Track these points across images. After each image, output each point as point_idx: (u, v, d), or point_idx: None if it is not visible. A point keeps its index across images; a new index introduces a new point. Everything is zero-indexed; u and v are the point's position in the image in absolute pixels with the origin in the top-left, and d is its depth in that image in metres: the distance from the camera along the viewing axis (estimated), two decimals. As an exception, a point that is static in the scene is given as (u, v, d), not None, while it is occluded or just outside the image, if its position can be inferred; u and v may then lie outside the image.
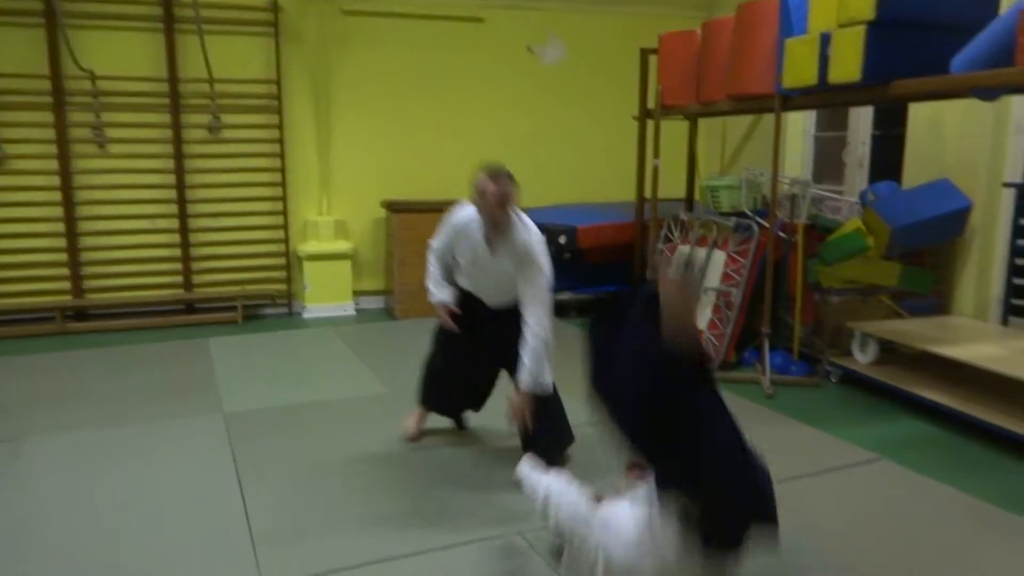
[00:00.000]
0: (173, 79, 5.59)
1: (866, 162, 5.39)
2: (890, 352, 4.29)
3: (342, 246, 6.07)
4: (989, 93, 3.48)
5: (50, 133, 5.42)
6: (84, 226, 5.59)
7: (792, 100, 4.20)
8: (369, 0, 5.96)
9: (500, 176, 2.86)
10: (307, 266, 5.98)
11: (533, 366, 2.88)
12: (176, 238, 5.78)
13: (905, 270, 4.46)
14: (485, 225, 2.94)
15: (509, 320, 2.98)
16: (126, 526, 2.68)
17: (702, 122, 5.91)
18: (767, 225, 4.49)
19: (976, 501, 2.88)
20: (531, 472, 2.47)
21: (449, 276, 3.26)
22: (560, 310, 5.84)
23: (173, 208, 5.74)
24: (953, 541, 2.62)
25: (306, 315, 6.04)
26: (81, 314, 5.67)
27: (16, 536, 2.61)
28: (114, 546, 2.54)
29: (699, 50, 4.90)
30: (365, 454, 3.30)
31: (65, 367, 4.61)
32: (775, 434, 3.56)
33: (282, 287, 6.09)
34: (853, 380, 4.26)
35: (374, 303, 6.36)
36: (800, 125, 5.82)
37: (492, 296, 3.14)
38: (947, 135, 4.63)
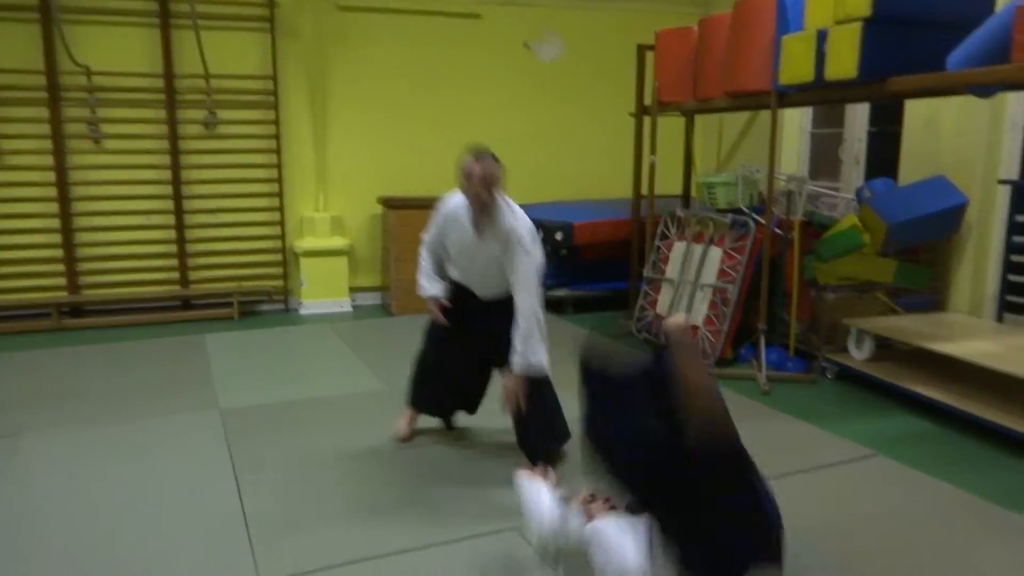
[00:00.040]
0: (169, 75, 5.57)
1: (862, 159, 5.39)
2: (886, 348, 4.29)
3: (338, 242, 6.06)
4: (985, 90, 3.49)
5: (45, 129, 5.41)
6: (80, 222, 5.58)
7: (788, 97, 4.21)
8: (366, -4, 5.96)
9: (485, 157, 2.86)
10: (303, 262, 5.98)
11: (522, 347, 2.86)
12: (172, 234, 5.77)
13: (901, 267, 4.47)
14: (472, 208, 2.93)
15: (500, 312, 2.96)
16: (123, 521, 2.67)
17: (699, 119, 5.92)
18: (763, 222, 4.49)
19: (972, 497, 2.89)
20: (527, 487, 2.42)
21: (441, 271, 3.25)
22: (557, 306, 5.86)
23: (169, 204, 5.73)
24: (949, 537, 2.62)
25: (302, 311, 6.04)
26: (77, 310, 5.65)
27: (13, 532, 2.61)
28: (110, 541, 2.54)
29: (696, 47, 4.90)
30: (361, 450, 3.30)
31: (61, 363, 4.60)
32: (771, 430, 3.57)
33: (278, 283, 6.08)
34: (849, 376, 4.27)
35: (370, 299, 6.36)
36: (796, 122, 5.83)
37: (482, 286, 3.12)
38: (943, 132, 4.63)
